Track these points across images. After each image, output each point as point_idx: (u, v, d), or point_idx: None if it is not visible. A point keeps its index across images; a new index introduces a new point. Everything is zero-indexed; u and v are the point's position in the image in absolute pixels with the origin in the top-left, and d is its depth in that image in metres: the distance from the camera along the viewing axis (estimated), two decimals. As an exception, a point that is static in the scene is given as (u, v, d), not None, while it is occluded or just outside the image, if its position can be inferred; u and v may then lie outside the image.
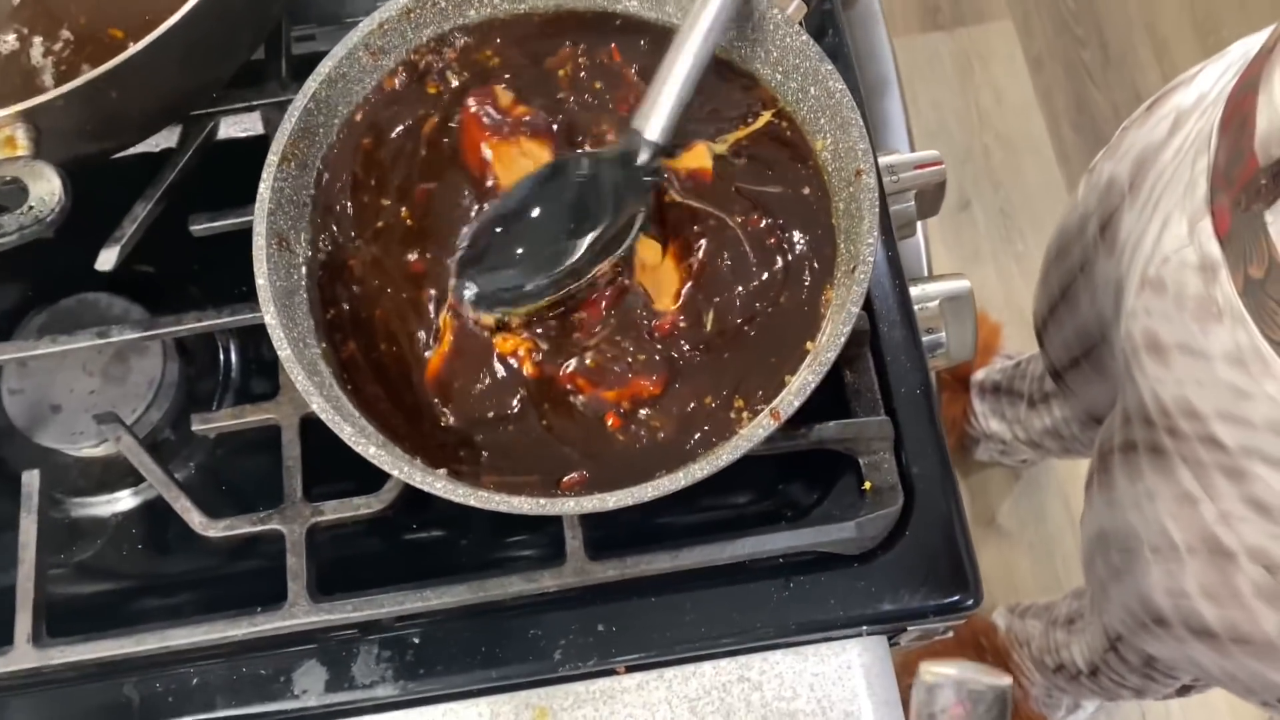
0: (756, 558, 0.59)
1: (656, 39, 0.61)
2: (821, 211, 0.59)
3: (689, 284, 0.57)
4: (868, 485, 0.60)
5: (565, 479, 0.54)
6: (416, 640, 0.59)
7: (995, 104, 1.79)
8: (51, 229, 0.54)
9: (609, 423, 0.55)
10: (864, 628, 0.59)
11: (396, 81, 0.62)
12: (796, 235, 0.58)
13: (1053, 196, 1.73)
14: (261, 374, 0.71)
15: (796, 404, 0.52)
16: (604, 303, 0.57)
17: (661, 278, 0.57)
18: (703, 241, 0.57)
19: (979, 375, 1.44)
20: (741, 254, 0.57)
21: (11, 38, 0.65)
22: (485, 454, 0.55)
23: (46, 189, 0.54)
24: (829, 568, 0.60)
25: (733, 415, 0.55)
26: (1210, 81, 0.70)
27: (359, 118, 0.62)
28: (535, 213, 0.57)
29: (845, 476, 0.63)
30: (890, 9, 1.57)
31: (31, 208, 0.53)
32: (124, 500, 0.68)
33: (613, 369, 0.55)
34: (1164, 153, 0.70)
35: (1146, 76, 1.78)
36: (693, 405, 0.55)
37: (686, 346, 0.56)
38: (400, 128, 0.62)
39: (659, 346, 0.56)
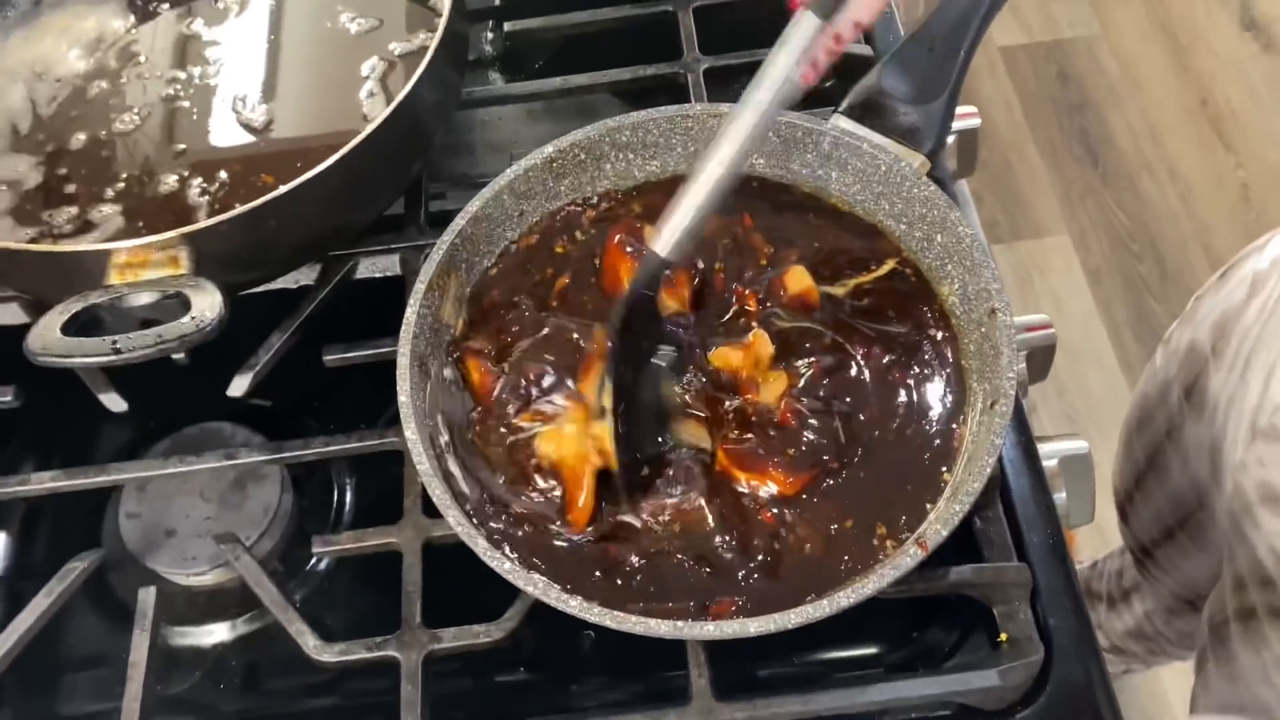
0: (893, 706, 0.56)
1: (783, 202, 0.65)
2: (949, 352, 0.59)
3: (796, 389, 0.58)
4: (1004, 637, 0.58)
5: (716, 604, 0.52)
6: (529, 784, 0.56)
7: (1056, 313, 1.82)
8: (209, 339, 0.55)
9: (761, 517, 0.54)
10: (1004, 791, 0.55)
11: (535, 240, 0.66)
12: (920, 372, 0.59)
13: (1117, 403, 1.73)
14: (373, 511, 0.71)
15: (945, 534, 0.51)
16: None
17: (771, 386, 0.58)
18: (815, 359, 0.59)
19: (1056, 580, 1.40)
20: (859, 381, 0.58)
21: (173, 178, 0.70)
22: (633, 578, 0.54)
23: (209, 302, 0.56)
24: (964, 724, 0.56)
25: (875, 543, 0.54)
26: None
27: (494, 272, 0.65)
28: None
29: (977, 632, 0.61)
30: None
31: (194, 318, 0.55)
32: (220, 633, 0.67)
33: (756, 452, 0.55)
34: (1245, 314, 0.71)
35: (1205, 290, 1.83)
36: (834, 526, 0.54)
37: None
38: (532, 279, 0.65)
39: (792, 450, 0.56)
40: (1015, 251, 1.89)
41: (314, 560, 0.68)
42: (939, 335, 0.60)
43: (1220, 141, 1.96)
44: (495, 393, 0.59)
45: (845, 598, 0.50)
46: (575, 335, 0.59)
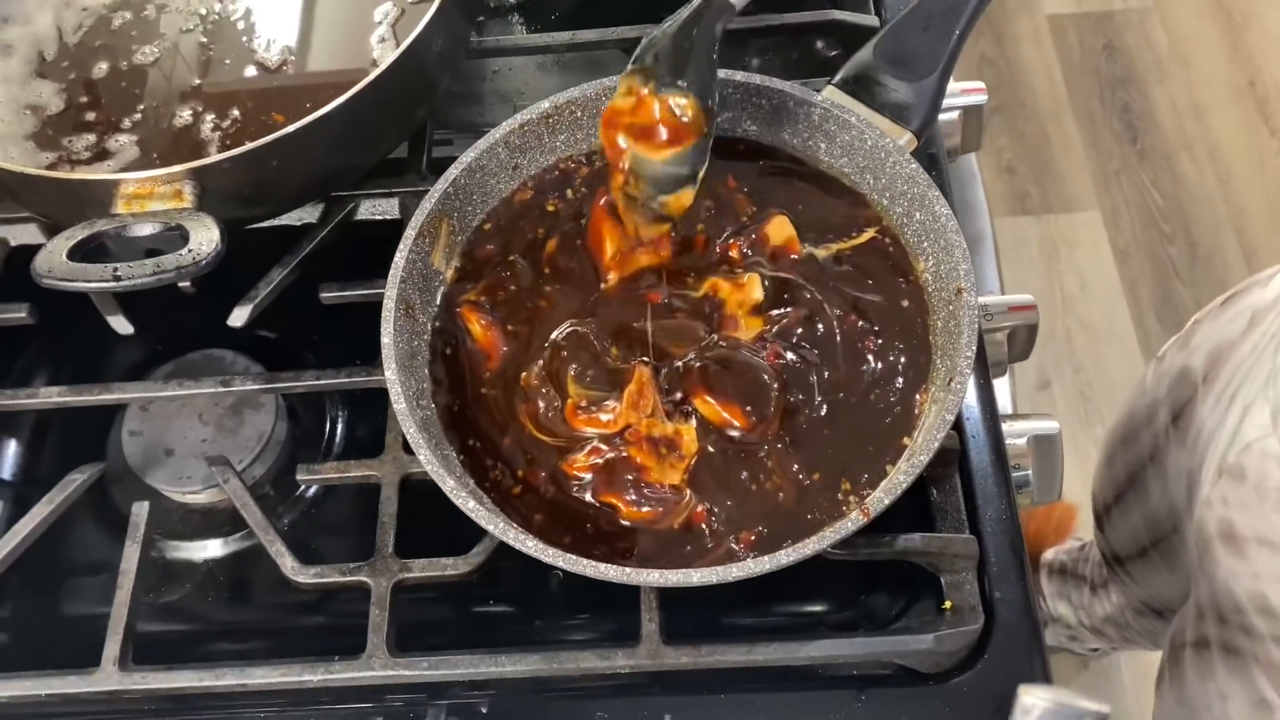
0: (832, 662, 0.58)
1: (768, 166, 0.67)
2: (919, 326, 0.61)
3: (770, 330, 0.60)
4: (948, 604, 0.60)
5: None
6: (484, 710, 0.59)
7: (1080, 290, 1.81)
8: (205, 272, 0.58)
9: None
10: (935, 749, 0.57)
11: (528, 195, 0.68)
12: (890, 343, 0.61)
13: (1134, 384, 1.73)
14: (363, 446, 0.74)
15: (886, 502, 0.53)
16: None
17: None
18: (792, 310, 0.61)
19: (1049, 555, 1.41)
20: (831, 340, 0.61)
21: (187, 112, 0.72)
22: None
23: (207, 236, 0.59)
24: (903, 684, 0.59)
25: (839, 498, 0.56)
26: None
27: (488, 227, 0.67)
28: None
29: (925, 597, 0.63)
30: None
31: (191, 251, 0.58)
32: (214, 548, 0.70)
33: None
34: (1241, 347, 0.70)
35: (1233, 275, 1.80)
36: (800, 473, 0.57)
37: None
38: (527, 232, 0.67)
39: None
40: (1043, 225, 1.87)
41: (304, 486, 0.71)
42: (911, 307, 0.62)
43: (1265, 125, 1.92)
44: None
45: (786, 555, 0.52)
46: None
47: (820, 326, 0.61)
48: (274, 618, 0.68)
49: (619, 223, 0.62)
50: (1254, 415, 0.62)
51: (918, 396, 0.59)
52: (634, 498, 0.57)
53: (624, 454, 0.58)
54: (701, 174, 0.60)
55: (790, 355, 0.60)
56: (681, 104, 0.59)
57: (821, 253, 0.64)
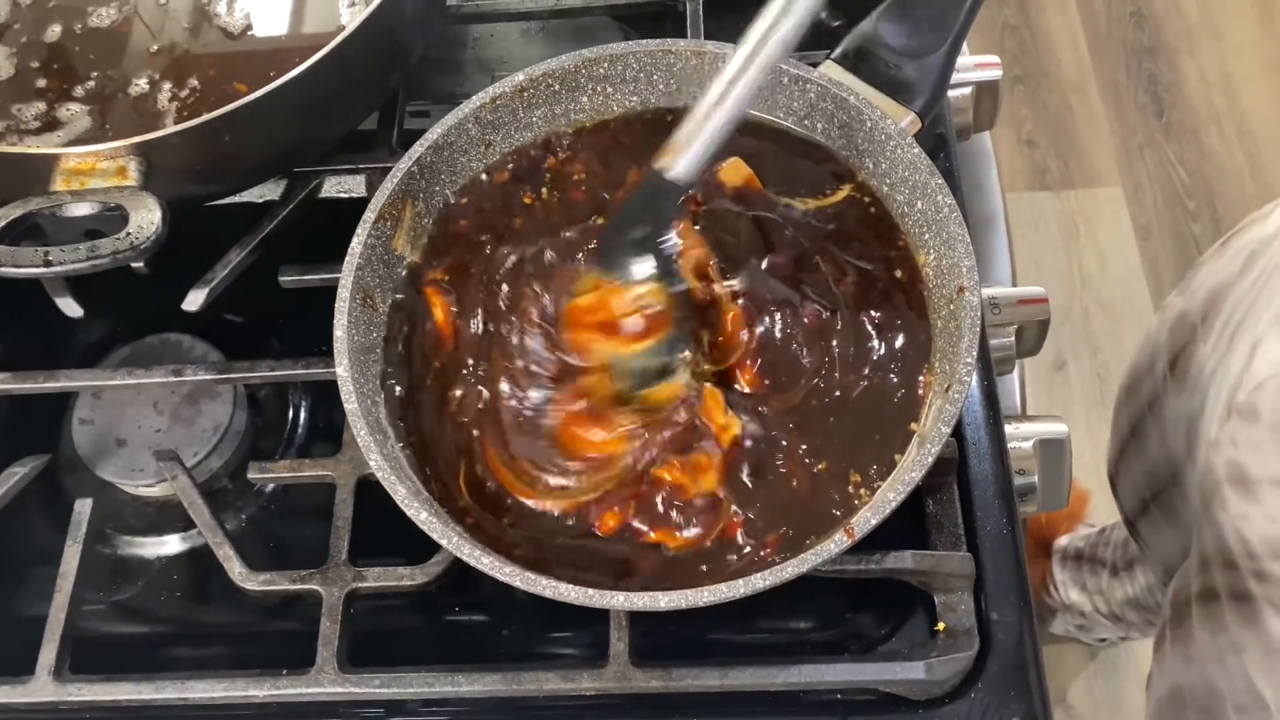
0: (812, 688, 0.54)
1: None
2: (920, 331, 0.56)
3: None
4: (941, 626, 0.56)
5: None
6: (442, 729, 0.56)
7: (1099, 268, 1.75)
8: (144, 257, 0.54)
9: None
10: (922, 783, 0.53)
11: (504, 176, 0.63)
12: (890, 334, 0.56)
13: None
14: (327, 438, 0.70)
15: (874, 522, 0.49)
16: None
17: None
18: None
19: (1062, 542, 1.37)
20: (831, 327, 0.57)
21: (143, 81, 0.68)
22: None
23: (146, 218, 0.54)
24: (889, 710, 0.55)
25: (850, 490, 0.52)
26: None
27: (465, 200, 0.62)
28: None
29: (917, 616, 0.59)
30: (999, 165, 1.59)
31: (129, 234, 0.54)
32: (171, 545, 0.67)
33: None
34: (1238, 286, 0.67)
35: (1260, 256, 1.74)
36: (808, 458, 0.53)
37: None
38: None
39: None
40: (1064, 200, 1.81)
41: (259, 483, 0.67)
42: (912, 306, 0.57)
43: (1298, 99, 1.84)
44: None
45: (762, 579, 0.48)
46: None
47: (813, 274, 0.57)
48: (231, 621, 0.64)
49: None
50: (1266, 350, 0.59)
51: (921, 378, 0.55)
52: (680, 521, 0.52)
53: (650, 478, 0.53)
54: (685, 359, 0.54)
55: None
56: (646, 291, 0.54)
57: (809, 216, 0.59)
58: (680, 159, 0.52)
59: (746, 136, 0.59)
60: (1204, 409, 0.65)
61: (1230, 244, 0.73)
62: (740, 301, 0.56)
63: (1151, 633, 1.25)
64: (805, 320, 0.56)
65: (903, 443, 0.54)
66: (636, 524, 0.53)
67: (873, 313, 0.56)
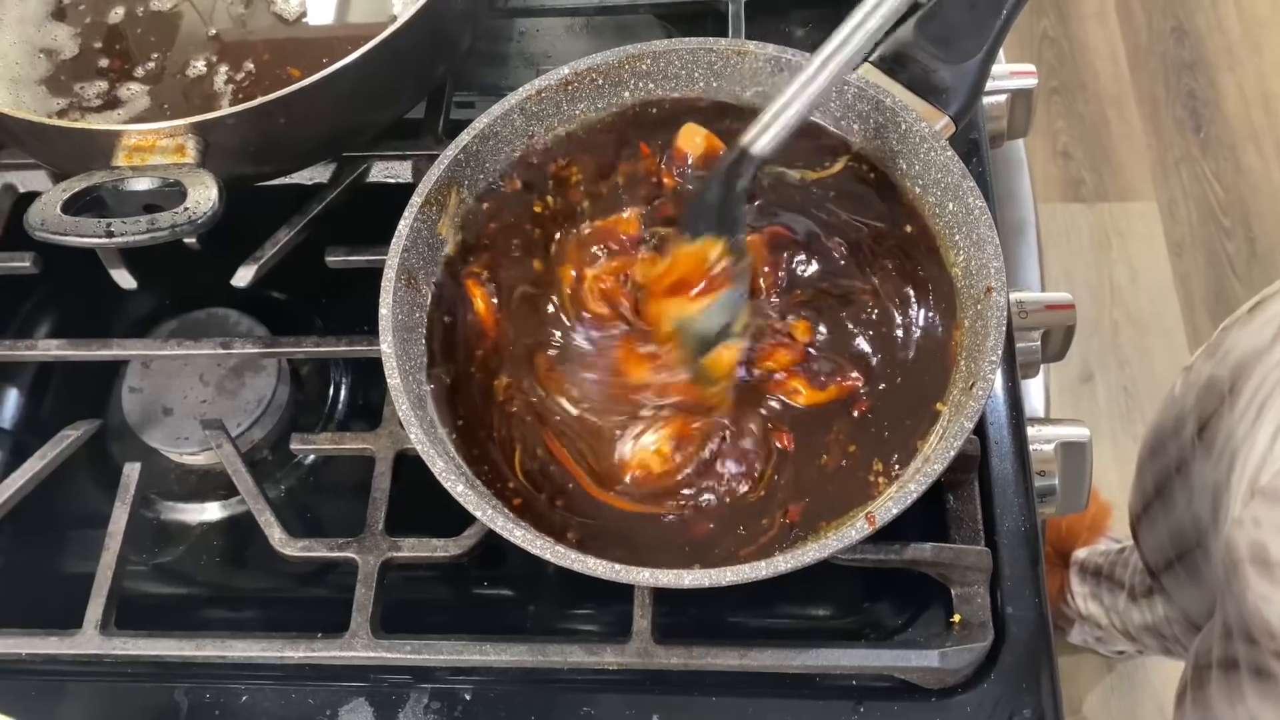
0: (829, 672, 0.56)
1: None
2: (944, 330, 0.58)
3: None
4: (956, 618, 0.57)
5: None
6: (468, 696, 0.57)
7: (1129, 282, 1.75)
8: (200, 231, 0.56)
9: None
10: (933, 769, 0.55)
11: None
12: (917, 332, 0.58)
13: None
14: (366, 414, 0.72)
15: (895, 511, 0.50)
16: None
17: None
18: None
19: (1081, 554, 1.37)
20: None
21: (201, 63, 0.70)
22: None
23: (204, 194, 0.57)
24: (904, 698, 0.56)
25: (871, 479, 0.54)
26: None
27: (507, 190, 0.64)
28: None
29: (933, 608, 0.60)
30: (1033, 176, 1.59)
31: (187, 209, 0.56)
32: (212, 512, 0.69)
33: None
34: (1268, 358, 0.67)
35: (1293, 275, 1.73)
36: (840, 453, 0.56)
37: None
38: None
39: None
40: (1097, 213, 1.81)
41: (303, 453, 0.69)
42: (942, 305, 0.58)
43: (1338, 119, 1.84)
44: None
45: (784, 561, 0.49)
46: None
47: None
48: (266, 587, 0.67)
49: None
50: None
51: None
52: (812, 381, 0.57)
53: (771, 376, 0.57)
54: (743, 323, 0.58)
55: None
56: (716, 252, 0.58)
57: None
58: (764, 137, 0.56)
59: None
60: (1229, 480, 0.66)
61: (1260, 311, 0.72)
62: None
63: (1167, 656, 1.25)
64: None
65: (926, 427, 0.55)
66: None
67: (906, 320, 0.59)
